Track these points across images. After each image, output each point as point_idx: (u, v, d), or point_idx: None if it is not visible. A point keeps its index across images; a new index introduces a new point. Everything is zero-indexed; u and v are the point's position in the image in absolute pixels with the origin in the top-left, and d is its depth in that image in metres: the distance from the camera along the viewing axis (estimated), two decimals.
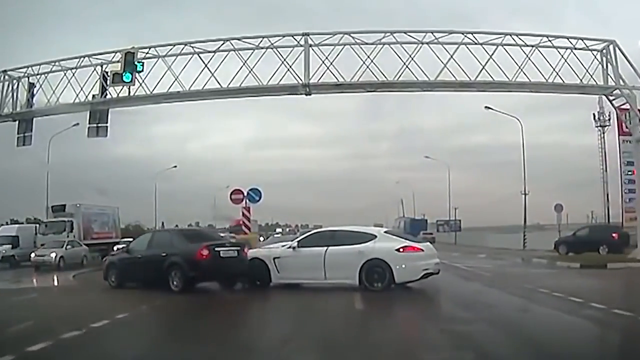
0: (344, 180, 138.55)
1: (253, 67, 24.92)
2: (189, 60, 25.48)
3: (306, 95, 25.13)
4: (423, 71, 24.53)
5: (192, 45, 25.50)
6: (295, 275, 14.60)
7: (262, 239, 45.01)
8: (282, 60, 24.74)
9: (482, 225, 71.79)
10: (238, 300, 14.07)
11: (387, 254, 13.64)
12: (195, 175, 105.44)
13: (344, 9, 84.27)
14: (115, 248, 29.46)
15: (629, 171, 31.51)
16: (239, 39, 25.23)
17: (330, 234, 14.76)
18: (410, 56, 24.58)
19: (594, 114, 47.18)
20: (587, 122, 46.67)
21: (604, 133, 49.04)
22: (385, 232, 15.40)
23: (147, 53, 25.64)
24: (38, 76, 27.94)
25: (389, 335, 8.54)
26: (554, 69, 25.15)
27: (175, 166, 57.92)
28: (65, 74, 26.98)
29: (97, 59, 26.50)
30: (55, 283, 20.21)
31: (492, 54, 24.82)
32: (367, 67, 24.53)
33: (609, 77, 26.10)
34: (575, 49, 25.76)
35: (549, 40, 25.67)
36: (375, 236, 14.31)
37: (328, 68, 24.54)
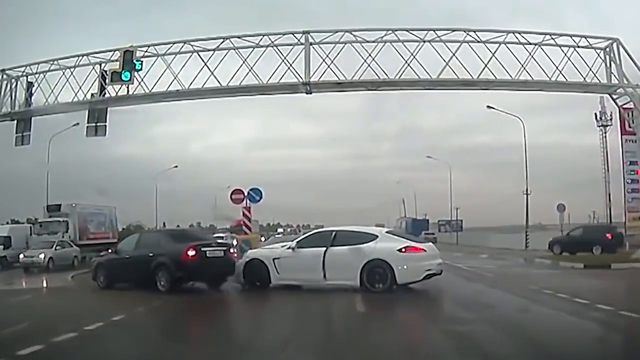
0: (345, 180, 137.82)
1: (253, 65, 24.81)
2: (189, 59, 25.39)
3: (307, 93, 24.98)
4: (425, 69, 24.44)
5: (191, 43, 25.34)
6: (295, 276, 14.36)
7: (263, 239, 44.79)
8: (283, 58, 24.62)
9: (484, 225, 71.55)
10: (236, 302, 13.90)
11: (388, 255, 13.40)
12: (197, 176, 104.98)
13: (345, 6, 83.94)
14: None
15: (631, 171, 31.20)
16: (238, 37, 25.10)
17: (331, 234, 14.48)
18: (412, 54, 24.45)
19: (595, 114, 46.93)
20: (589, 122, 46.40)
21: (605, 133, 48.79)
22: (386, 232, 15.14)
23: (146, 51, 25.50)
24: (36, 75, 27.87)
25: (391, 338, 8.29)
26: (556, 67, 25.00)
27: (176, 166, 57.59)
28: (63, 73, 26.89)
29: (95, 57, 26.38)
30: (53, 284, 19.93)
31: (495, 52, 24.68)
32: (369, 65, 24.41)
33: (612, 75, 25.95)
34: (579, 47, 25.61)
35: (552, 38, 25.49)
36: (377, 236, 14.07)
37: (329, 66, 24.41)
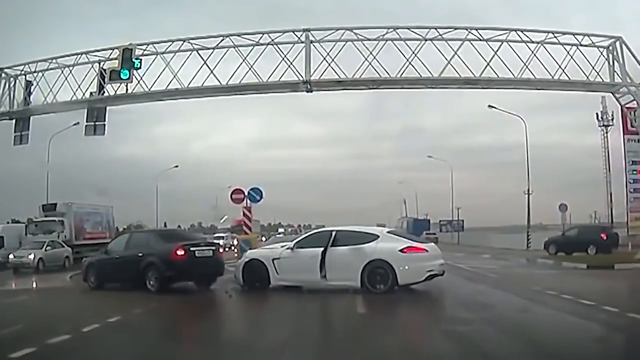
0: (346, 180, 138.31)
1: (253, 63, 24.70)
2: (188, 57, 25.30)
3: (307, 92, 24.85)
4: (427, 68, 24.32)
5: (191, 41, 25.23)
6: (295, 277, 14.13)
7: (264, 239, 44.61)
8: (283, 56, 24.50)
9: (485, 226, 71.50)
10: (235, 303, 13.64)
11: (390, 255, 13.17)
12: (198, 176, 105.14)
13: (346, 4, 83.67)
14: None
15: (634, 170, 31.03)
16: (238, 35, 24.96)
17: (331, 235, 14.25)
18: (413, 52, 24.31)
19: (597, 114, 46.78)
20: (590, 123, 46.38)
21: (607, 132, 48.60)
22: (388, 232, 14.90)
23: (145, 50, 25.39)
24: (35, 74, 27.77)
25: (393, 341, 8.08)
26: (559, 66, 24.87)
27: (177, 166, 57.53)
28: (62, 72, 26.80)
29: (94, 56, 26.30)
30: (51, 285, 19.69)
31: (497, 51, 24.55)
32: (370, 64, 24.30)
33: (615, 74, 25.78)
34: (581, 45, 25.49)
35: (555, 37, 25.35)
36: (378, 236, 13.85)
37: (329, 65, 24.29)
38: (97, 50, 26.20)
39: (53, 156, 37.43)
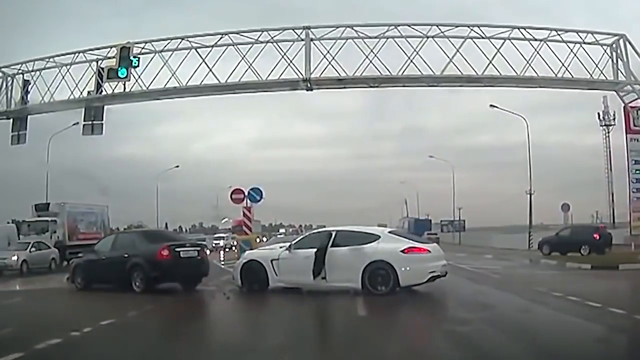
0: (347, 180, 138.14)
1: (252, 62, 24.52)
2: (186, 56, 25.09)
3: (307, 90, 24.66)
4: (428, 66, 24.12)
5: (189, 39, 25.05)
6: (295, 278, 13.85)
7: (265, 239, 44.40)
8: (283, 54, 24.30)
9: (486, 226, 71.25)
10: (232, 306, 13.39)
11: (391, 256, 12.90)
12: (199, 176, 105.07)
13: (346, 2, 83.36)
14: None
15: (636, 170, 30.65)
16: (237, 33, 24.73)
17: (331, 235, 13.95)
18: (415, 50, 24.11)
19: (598, 113, 46.62)
20: (592, 122, 46.35)
21: (608, 132, 48.40)
22: (389, 232, 14.62)
23: (143, 48, 25.20)
24: (32, 73, 27.58)
25: (394, 345, 7.78)
26: (562, 64, 24.68)
27: (177, 166, 57.35)
28: (59, 71, 26.59)
29: (92, 54, 26.10)
30: (47, 286, 19.36)
31: (500, 48, 24.31)
32: (370, 61, 24.11)
33: (619, 72, 25.55)
34: (585, 43, 25.29)
35: (558, 34, 25.13)
36: (379, 237, 13.57)
37: (330, 63, 24.12)
38: (95, 49, 26.02)
39: (53, 156, 37.19)
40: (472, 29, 24.57)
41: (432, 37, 24.38)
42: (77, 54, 26.26)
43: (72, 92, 26.18)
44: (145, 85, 25.17)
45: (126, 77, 24.58)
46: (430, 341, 8.35)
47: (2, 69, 28.02)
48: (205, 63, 24.62)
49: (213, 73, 24.55)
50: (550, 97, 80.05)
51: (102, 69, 25.42)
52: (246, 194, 24.36)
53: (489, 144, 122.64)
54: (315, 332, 9.08)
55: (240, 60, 24.46)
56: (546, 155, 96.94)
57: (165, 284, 15.46)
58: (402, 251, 13.01)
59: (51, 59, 26.92)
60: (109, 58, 25.29)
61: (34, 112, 27.70)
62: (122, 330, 9.72)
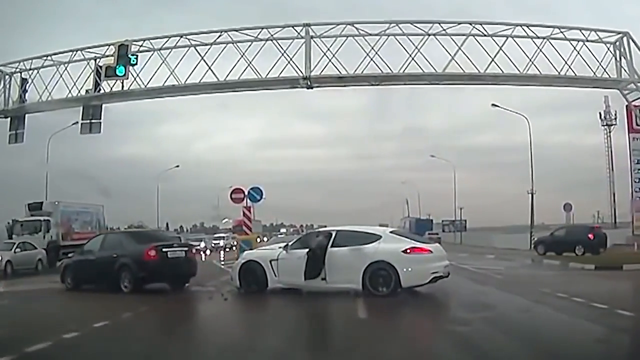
0: (349, 180, 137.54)
1: (252, 60, 24.40)
2: (185, 54, 24.93)
3: (307, 88, 24.48)
4: (430, 63, 24.01)
5: (188, 37, 24.86)
6: (294, 279, 13.57)
7: (265, 239, 44.16)
8: (282, 52, 24.12)
9: (487, 225, 71.05)
10: (229, 308, 13.12)
11: (392, 256, 12.63)
12: (199, 176, 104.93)
13: (347, 1, 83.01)
14: None
15: (639, 170, 30.53)
16: (236, 31, 24.52)
17: (331, 235, 13.69)
18: (416, 48, 23.94)
19: (600, 113, 46.32)
20: (593, 122, 46.06)
21: (610, 132, 48.14)
22: (390, 232, 14.36)
23: (142, 46, 25.07)
24: (30, 71, 27.40)
25: (397, 351, 7.51)
26: (565, 62, 24.56)
27: (178, 166, 57.16)
28: (57, 69, 26.48)
29: (90, 52, 25.93)
30: (33, 287, 18.99)
31: (502, 46, 24.13)
32: (372, 59, 23.97)
33: (622, 70, 25.37)
34: (588, 41, 25.15)
35: (561, 32, 24.97)
36: (380, 237, 13.30)
37: (330, 60, 23.99)
38: (93, 47, 25.85)
39: (53, 156, 36.82)
40: (474, 27, 24.42)
41: (434, 34, 24.25)
42: (75, 52, 26.14)
43: (70, 91, 26.15)
44: (143, 84, 25.03)
45: (124, 75, 24.46)
46: (433, 346, 8.07)
47: (0, 68, 27.84)
48: (205, 61, 24.51)
49: (212, 71, 24.46)
50: (551, 97, 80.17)
51: (100, 67, 25.30)
52: (246, 193, 24.18)
53: (490, 143, 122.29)
54: (314, 336, 8.84)
55: (240, 58, 24.42)
56: (547, 155, 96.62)
57: (156, 285, 15.49)
58: (403, 251, 12.74)
59: (49, 57, 26.79)
60: (107, 56, 25.21)
61: (31, 111, 27.61)
62: (118, 333, 9.46)
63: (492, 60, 23.86)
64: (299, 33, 24.25)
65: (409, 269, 12.56)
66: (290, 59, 24.03)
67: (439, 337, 8.62)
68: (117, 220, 60.48)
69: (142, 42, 25.13)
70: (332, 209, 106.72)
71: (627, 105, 27.97)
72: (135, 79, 24.92)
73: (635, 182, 31.28)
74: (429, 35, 24.16)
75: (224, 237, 54.02)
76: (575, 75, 24.83)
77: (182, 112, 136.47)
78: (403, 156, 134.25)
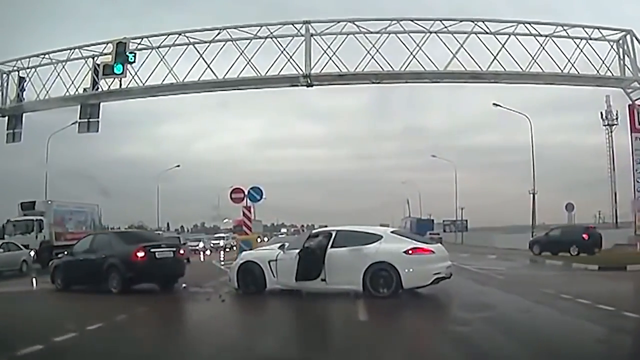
0: (349, 180, 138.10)
1: (251, 57, 24.18)
2: (184, 52, 24.68)
3: (307, 86, 24.24)
4: (431, 61, 23.78)
5: (186, 35, 24.62)
6: (293, 280, 13.31)
7: (266, 239, 43.94)
8: (282, 50, 23.88)
9: (488, 225, 70.93)
10: (226, 309, 12.83)
11: (394, 257, 12.38)
12: (200, 176, 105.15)
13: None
14: None
15: None
16: (236, 28, 24.30)
17: (331, 235, 13.43)
18: (417, 45, 23.74)
19: (601, 113, 46.15)
20: (594, 122, 45.89)
21: (611, 132, 47.95)
22: (391, 232, 14.11)
23: (140, 44, 24.86)
24: (28, 70, 27.21)
25: (398, 355, 7.26)
26: (568, 60, 24.31)
27: (178, 165, 57.01)
28: (55, 67, 26.22)
29: (88, 50, 25.69)
30: (28, 288, 18.72)
31: (504, 44, 23.91)
32: (372, 57, 23.78)
33: (625, 68, 25.14)
34: (591, 39, 24.92)
35: (564, 30, 24.75)
36: (381, 237, 13.05)
37: (330, 58, 23.77)
38: (91, 45, 25.64)
39: (52, 156, 36.63)
40: (476, 24, 24.18)
41: (436, 32, 24.02)
42: (72, 50, 25.90)
43: (67, 90, 25.90)
44: (142, 82, 24.83)
45: (122, 73, 24.24)
46: (436, 349, 7.82)
47: None
48: (203, 59, 24.31)
49: (211, 69, 24.23)
50: (552, 97, 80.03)
51: (98, 65, 25.06)
52: (246, 193, 23.99)
53: (491, 143, 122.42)
54: (313, 339, 8.60)
55: (239, 56, 24.19)
56: (548, 155, 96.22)
57: (146, 285, 15.50)
58: (405, 252, 12.49)
59: (47, 56, 26.57)
60: (105, 54, 24.93)
61: (29, 110, 27.41)
62: (111, 335, 9.22)
63: (495, 58, 23.62)
64: (298, 30, 24.02)
65: (411, 270, 12.32)
66: (290, 57, 23.83)
67: (441, 340, 8.36)
68: (117, 220, 60.44)
69: (140, 40, 24.91)
70: (333, 209, 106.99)
71: (629, 105, 27.70)
72: (133, 77, 24.74)
73: (637, 181, 31.03)
74: (431, 33, 23.92)
75: (223, 237, 53.87)
76: (578, 73, 24.58)
77: (182, 112, 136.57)
78: (404, 156, 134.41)
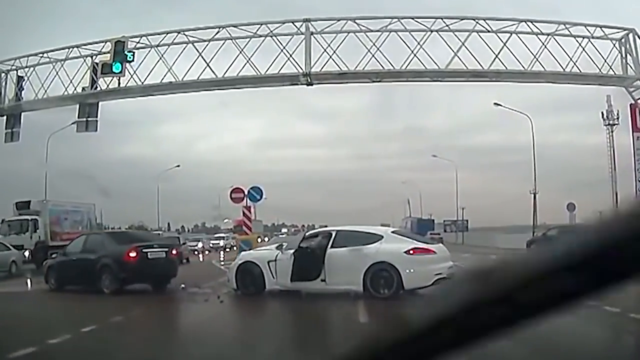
0: (350, 180, 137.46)
1: (251, 56, 23.99)
2: (183, 50, 24.54)
3: (307, 85, 24.06)
4: (433, 60, 23.60)
5: (185, 33, 24.46)
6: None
7: (266, 239, 43.78)
8: (282, 48, 23.71)
9: (489, 226, 70.58)
10: (224, 310, 12.66)
11: (394, 257, 12.22)
12: (200, 176, 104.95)
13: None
14: None
15: None
16: (235, 27, 24.14)
17: (331, 235, 13.27)
18: (418, 44, 23.55)
19: (602, 112, 45.90)
20: (595, 122, 45.59)
21: (612, 132, 47.71)
22: (392, 232, 13.96)
23: (139, 42, 24.69)
24: (26, 69, 27.03)
25: None
26: (570, 59, 24.11)
27: (178, 165, 56.84)
28: (53, 67, 26.07)
29: (86, 49, 25.55)
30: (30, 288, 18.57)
31: (506, 42, 23.75)
32: (373, 55, 23.59)
33: (628, 67, 24.95)
34: (593, 37, 24.69)
35: (566, 28, 24.55)
36: (382, 237, 12.88)
37: (331, 57, 23.59)
38: (90, 44, 25.48)
39: (52, 156, 36.40)
40: (477, 23, 24.00)
41: (437, 30, 23.82)
42: (71, 49, 25.74)
43: (66, 89, 25.74)
44: (140, 81, 24.66)
45: (121, 72, 24.06)
46: None
47: None
48: (203, 57, 24.13)
49: (210, 68, 24.04)
50: (553, 97, 79.71)
51: (97, 64, 24.88)
52: (246, 193, 23.86)
53: (492, 143, 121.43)
54: (312, 341, 8.37)
55: (238, 55, 24.00)
56: (549, 154, 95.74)
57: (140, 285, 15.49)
58: (406, 252, 12.33)
59: (45, 55, 26.42)
60: (104, 53, 24.76)
61: (27, 109, 27.24)
62: (109, 336, 9.04)
63: (496, 56, 23.45)
64: (298, 29, 23.87)
65: (412, 270, 12.14)
66: (290, 56, 23.64)
67: None
68: (117, 220, 60.38)
69: (139, 38, 24.75)
70: (333, 209, 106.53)
71: (631, 104, 27.55)
72: (132, 76, 24.57)
73: (638, 181, 30.91)
74: (432, 31, 23.74)
75: (224, 237, 53.67)
76: (580, 72, 24.39)
77: (182, 111, 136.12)
78: (404, 156, 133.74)
